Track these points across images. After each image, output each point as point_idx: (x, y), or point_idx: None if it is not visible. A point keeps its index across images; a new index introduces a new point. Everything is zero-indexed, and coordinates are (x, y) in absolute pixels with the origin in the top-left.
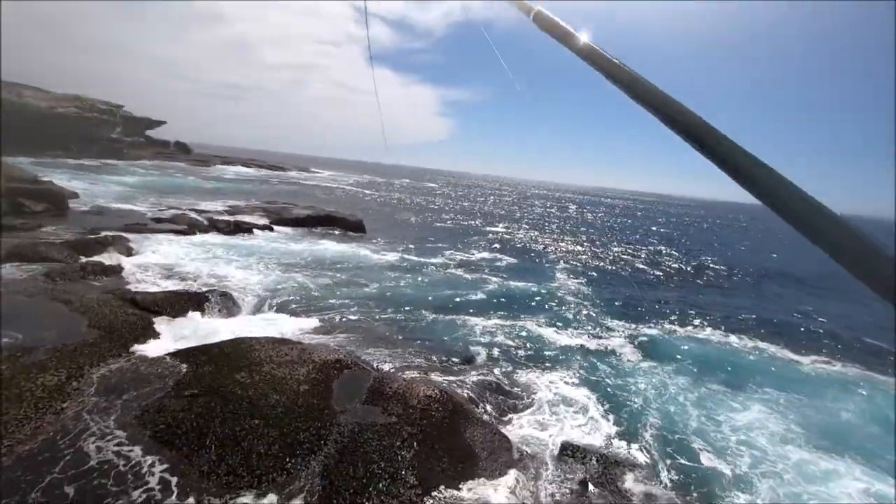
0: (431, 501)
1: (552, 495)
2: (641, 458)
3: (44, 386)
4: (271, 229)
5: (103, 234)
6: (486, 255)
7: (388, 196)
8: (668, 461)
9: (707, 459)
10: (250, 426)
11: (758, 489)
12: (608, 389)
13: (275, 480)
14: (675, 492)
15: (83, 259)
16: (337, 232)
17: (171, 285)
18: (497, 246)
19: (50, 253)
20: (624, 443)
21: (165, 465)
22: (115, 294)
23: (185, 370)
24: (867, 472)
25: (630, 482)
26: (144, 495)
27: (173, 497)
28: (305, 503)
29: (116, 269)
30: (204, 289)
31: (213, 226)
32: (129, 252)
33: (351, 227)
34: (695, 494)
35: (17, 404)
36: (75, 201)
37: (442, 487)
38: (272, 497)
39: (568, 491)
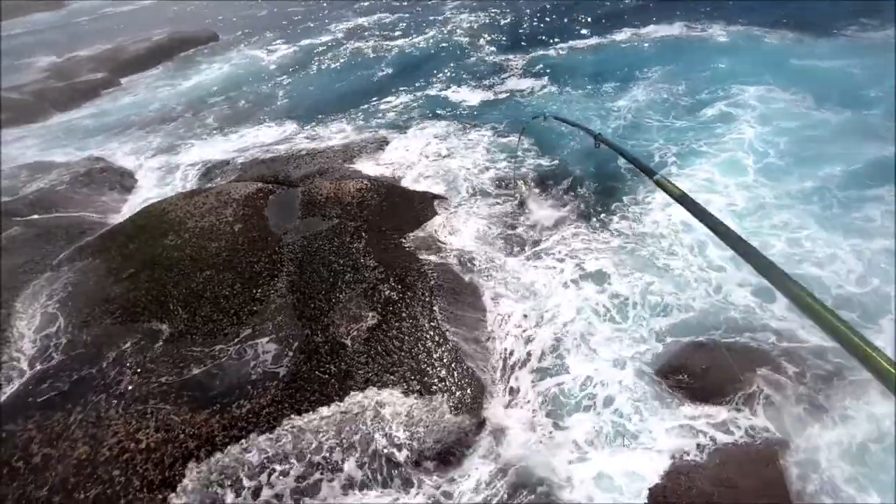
0: (393, 271)
1: (482, 215)
2: (564, 170)
3: None
4: (119, 83)
5: None
6: (382, 15)
7: None
8: (587, 162)
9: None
10: (204, 278)
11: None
12: (518, 120)
13: (253, 311)
14: (600, 191)
15: None
16: (203, 50)
17: (49, 181)
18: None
19: None
20: (545, 162)
21: (140, 340)
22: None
23: (111, 255)
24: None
25: (558, 192)
26: (136, 377)
27: (164, 362)
28: (287, 318)
29: None
30: (86, 170)
31: (44, 97)
32: None
33: (206, 43)
34: (615, 184)
35: None
36: None
37: (401, 258)
38: (254, 326)
39: (498, 211)
